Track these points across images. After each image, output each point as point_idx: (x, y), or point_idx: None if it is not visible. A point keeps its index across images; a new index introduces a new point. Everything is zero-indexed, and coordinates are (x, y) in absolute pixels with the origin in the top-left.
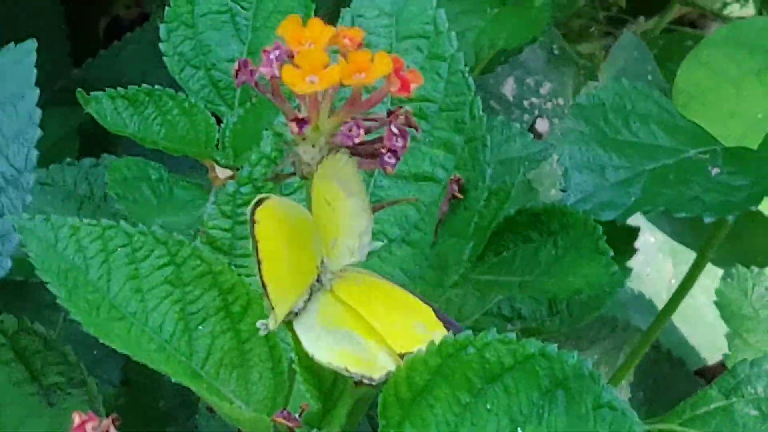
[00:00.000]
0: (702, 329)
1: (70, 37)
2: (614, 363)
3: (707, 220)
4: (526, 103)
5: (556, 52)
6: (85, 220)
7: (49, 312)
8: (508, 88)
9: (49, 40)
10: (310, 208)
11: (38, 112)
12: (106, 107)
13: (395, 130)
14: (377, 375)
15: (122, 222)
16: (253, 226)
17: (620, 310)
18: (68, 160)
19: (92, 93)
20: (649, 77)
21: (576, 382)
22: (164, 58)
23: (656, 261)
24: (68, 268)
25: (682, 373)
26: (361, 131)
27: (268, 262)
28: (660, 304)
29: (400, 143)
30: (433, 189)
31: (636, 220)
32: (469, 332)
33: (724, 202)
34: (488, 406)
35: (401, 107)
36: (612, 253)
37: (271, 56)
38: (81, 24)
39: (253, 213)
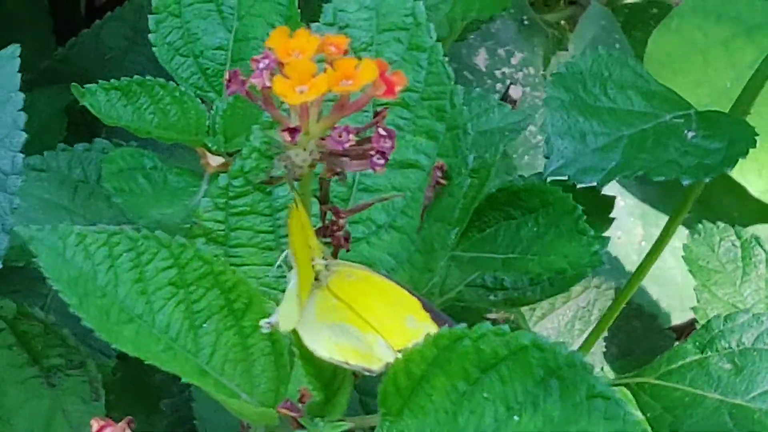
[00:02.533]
0: (671, 289)
1: (52, 16)
2: (588, 319)
3: (685, 182)
4: (498, 72)
5: (526, 22)
6: (92, 228)
7: (40, 285)
8: (481, 58)
9: (32, 18)
10: (304, 206)
11: (23, 116)
12: (100, 99)
13: (383, 132)
14: (376, 367)
15: (126, 228)
16: (291, 236)
17: (593, 271)
18: (62, 146)
19: (86, 86)
20: (617, 46)
21: (569, 372)
22: (154, 48)
23: (627, 224)
24: (77, 275)
25: (653, 329)
26: (351, 136)
27: (301, 266)
28: (630, 266)
29: (388, 144)
30: (418, 175)
31: (609, 186)
32: (464, 325)
33: (700, 164)
34: (485, 395)
35: (386, 108)
36: (592, 232)
37: (261, 66)
38: (63, 2)
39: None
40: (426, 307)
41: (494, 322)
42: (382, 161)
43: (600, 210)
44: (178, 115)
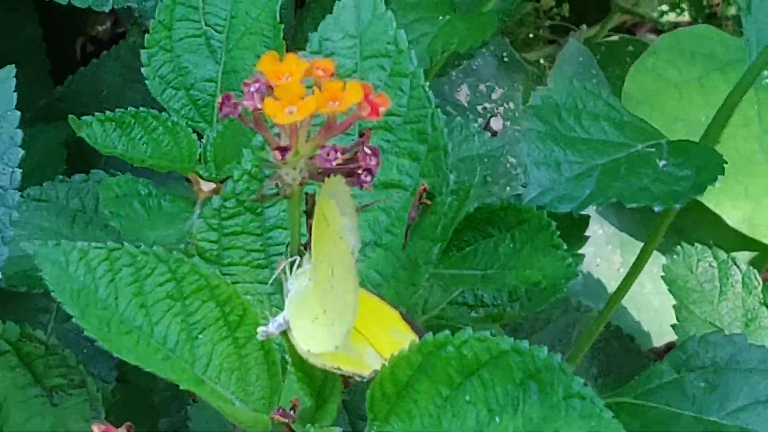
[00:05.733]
0: (650, 315)
1: (49, 57)
2: (568, 341)
3: (657, 208)
4: (479, 107)
5: (506, 59)
6: (93, 244)
7: (41, 315)
8: (462, 94)
9: (29, 60)
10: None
11: (20, 133)
12: (96, 130)
13: (368, 151)
14: (366, 373)
15: (126, 244)
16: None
17: (572, 295)
18: (60, 177)
19: (82, 118)
20: (594, 81)
21: (547, 374)
22: (146, 82)
23: (605, 252)
24: (80, 288)
25: (632, 351)
26: (338, 154)
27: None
28: (609, 291)
29: (373, 162)
30: (401, 195)
31: (586, 212)
32: (448, 332)
33: (671, 191)
34: (467, 398)
35: (371, 128)
36: (566, 247)
37: (252, 89)
38: (58, 44)
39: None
40: (405, 319)
41: None
42: (369, 178)
43: (575, 228)
44: (170, 144)
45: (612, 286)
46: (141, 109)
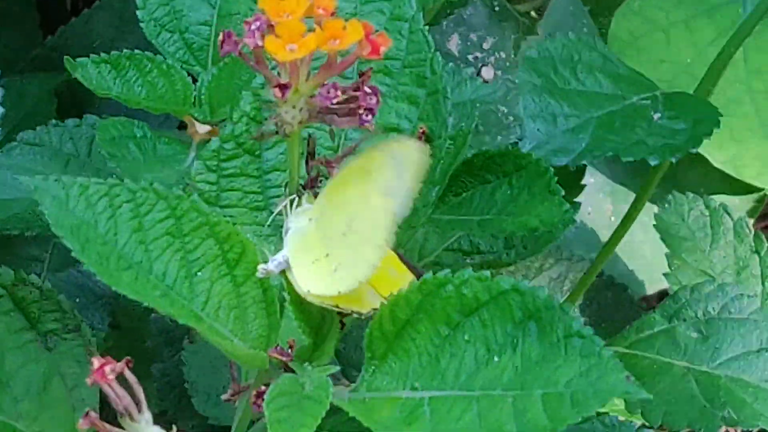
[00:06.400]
0: (640, 263)
1: (39, 10)
2: (560, 290)
3: (653, 162)
4: (470, 57)
5: (497, 8)
6: (93, 179)
7: (34, 265)
8: (453, 44)
9: (19, 13)
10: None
11: (0, 91)
12: (91, 72)
13: (368, 90)
14: (365, 310)
15: (126, 180)
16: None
17: (564, 244)
18: (53, 121)
19: (78, 59)
20: (585, 30)
21: (547, 314)
22: (141, 24)
23: (596, 200)
24: (79, 224)
25: (624, 299)
26: (339, 92)
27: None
28: (600, 240)
29: (373, 101)
30: None
31: None
32: (448, 271)
33: (666, 145)
34: (466, 337)
35: (371, 68)
36: (563, 193)
37: (253, 27)
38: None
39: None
40: (402, 259)
41: None
42: (369, 117)
43: (570, 177)
44: (165, 87)
45: (604, 235)
46: (136, 51)
